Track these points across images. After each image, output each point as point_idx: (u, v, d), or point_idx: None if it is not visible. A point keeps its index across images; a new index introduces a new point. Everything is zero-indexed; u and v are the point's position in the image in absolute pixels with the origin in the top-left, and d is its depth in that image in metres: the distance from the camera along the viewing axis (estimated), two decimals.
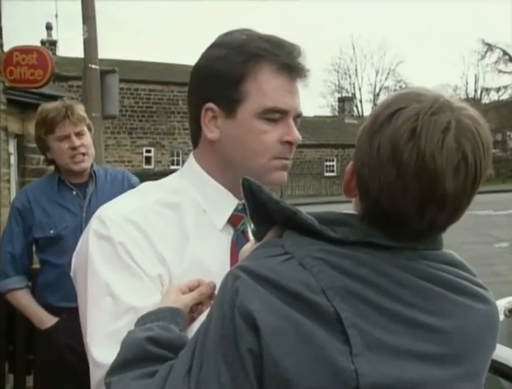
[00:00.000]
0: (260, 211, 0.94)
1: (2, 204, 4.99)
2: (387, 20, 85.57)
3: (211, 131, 1.10)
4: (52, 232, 2.49)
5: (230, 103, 1.09)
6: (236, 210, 1.16)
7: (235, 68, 1.08)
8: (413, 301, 0.88)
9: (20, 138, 8.63)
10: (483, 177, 0.89)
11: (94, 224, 1.08)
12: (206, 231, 1.12)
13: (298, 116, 1.15)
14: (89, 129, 2.59)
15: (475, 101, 40.78)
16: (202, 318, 0.94)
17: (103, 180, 2.62)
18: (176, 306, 1.00)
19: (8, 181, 5.16)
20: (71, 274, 1.14)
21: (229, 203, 1.16)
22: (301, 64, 1.11)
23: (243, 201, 1.15)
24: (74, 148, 2.48)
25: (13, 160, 8.11)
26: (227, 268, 1.10)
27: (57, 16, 29.47)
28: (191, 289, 1.04)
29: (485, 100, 42.02)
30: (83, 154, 2.52)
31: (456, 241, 11.17)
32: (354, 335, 0.82)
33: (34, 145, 10.17)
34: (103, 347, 1.00)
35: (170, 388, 0.85)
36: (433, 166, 0.84)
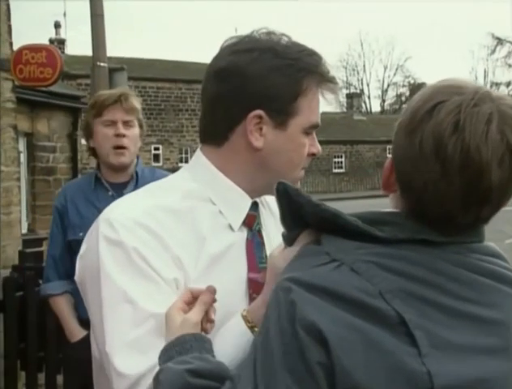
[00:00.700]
0: (293, 215, 0.93)
1: (12, 202, 5.01)
2: (395, 16, 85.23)
3: (256, 139, 1.08)
4: (81, 235, 2.08)
5: (283, 115, 1.08)
6: (250, 209, 1.15)
7: (293, 83, 1.07)
8: (470, 296, 0.87)
9: (30, 136, 8.67)
10: None
11: (102, 227, 1.03)
12: (222, 232, 1.10)
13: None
14: (140, 125, 2.39)
15: None
16: (216, 327, 0.97)
17: (147, 182, 2.32)
18: (196, 332, 0.94)
19: (18, 179, 5.18)
20: (76, 279, 1.11)
21: (244, 203, 1.14)
22: (335, 79, 1.14)
23: (255, 199, 1.15)
24: (118, 136, 2.28)
25: (23, 158, 8.15)
26: (244, 267, 1.10)
27: (65, 15, 29.45)
28: (190, 302, 0.99)
29: None
30: (124, 147, 2.31)
31: None
32: (420, 336, 0.80)
33: (44, 143, 10.28)
34: (126, 356, 0.97)
35: None
36: (479, 158, 0.82)
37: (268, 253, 1.11)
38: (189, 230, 1.07)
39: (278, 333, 0.81)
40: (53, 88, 7.15)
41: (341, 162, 33.29)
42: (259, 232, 1.16)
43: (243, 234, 1.13)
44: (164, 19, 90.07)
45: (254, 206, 1.16)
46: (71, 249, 2.33)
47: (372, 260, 0.84)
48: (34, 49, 4.91)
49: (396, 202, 0.94)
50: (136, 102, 2.37)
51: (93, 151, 2.40)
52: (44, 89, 6.57)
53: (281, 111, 1.07)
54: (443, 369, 0.80)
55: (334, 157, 33.29)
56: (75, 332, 2.36)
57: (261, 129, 1.07)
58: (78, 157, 9.82)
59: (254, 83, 1.06)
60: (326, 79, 1.11)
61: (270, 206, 1.23)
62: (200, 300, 0.98)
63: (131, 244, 1.01)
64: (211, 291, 0.98)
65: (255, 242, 1.13)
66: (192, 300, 0.98)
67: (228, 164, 1.12)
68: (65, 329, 2.42)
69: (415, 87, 42.03)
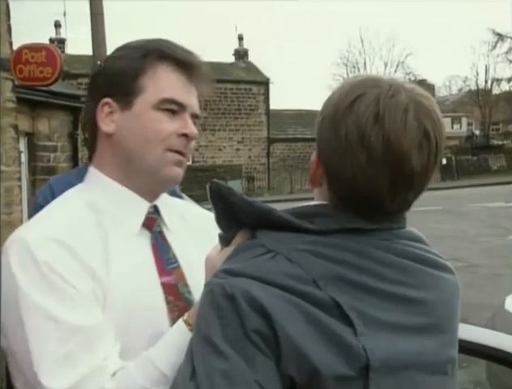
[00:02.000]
0: (227, 215, 0.96)
1: (13, 202, 5.00)
2: (396, 12, 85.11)
3: (106, 125, 1.12)
4: None
5: (127, 96, 1.11)
6: (148, 213, 1.16)
7: (132, 63, 1.11)
8: (398, 278, 0.93)
9: (31, 136, 8.65)
10: (442, 152, 0.94)
11: (12, 248, 1.02)
12: (124, 238, 1.11)
13: (196, 117, 1.17)
14: None
15: (485, 92, 40.45)
16: None
17: None
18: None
19: (19, 179, 5.16)
20: None
21: (140, 206, 1.16)
22: (198, 64, 1.16)
23: (155, 203, 1.17)
24: None
25: (23, 158, 8.14)
26: (154, 273, 1.11)
27: (65, 14, 29.52)
28: None
29: (496, 91, 41.59)
30: None
31: (470, 233, 11.10)
32: (354, 316, 0.86)
33: (44, 143, 10.24)
34: (56, 374, 0.95)
35: None
36: (400, 146, 0.88)
37: (176, 253, 1.15)
38: (97, 239, 1.08)
39: (212, 313, 0.85)
40: (54, 88, 7.13)
41: None
42: (161, 233, 1.17)
43: (146, 238, 1.15)
44: (164, 18, 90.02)
45: (155, 209, 1.17)
46: None
47: (306, 248, 0.89)
48: (34, 48, 4.90)
49: (323, 195, 0.97)
50: None
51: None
52: (44, 89, 6.55)
53: (125, 92, 1.11)
54: (377, 346, 0.86)
55: None
56: None
57: (112, 116, 1.11)
58: (79, 156, 9.81)
59: (101, 76, 1.14)
60: (180, 61, 1.13)
61: (179, 210, 1.25)
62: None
63: (42, 258, 1.00)
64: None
65: (159, 245, 1.15)
66: None
67: (107, 167, 1.14)
68: None
69: (416, 84, 41.88)
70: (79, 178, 2.28)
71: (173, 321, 1.06)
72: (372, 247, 0.92)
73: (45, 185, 2.42)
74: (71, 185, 2.29)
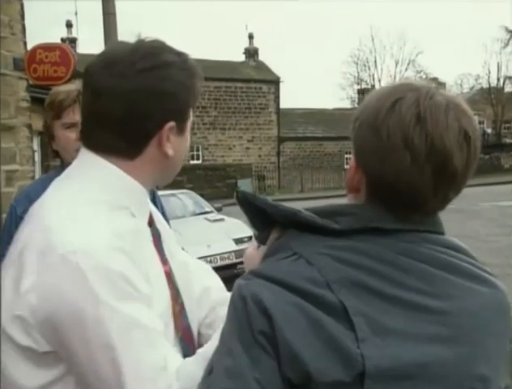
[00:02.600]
0: (260, 217, 1.00)
1: None
2: (407, 10, 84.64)
3: (169, 148, 1.13)
4: None
5: (185, 121, 1.15)
6: None
7: (191, 90, 1.15)
8: (416, 286, 0.91)
9: (44, 135, 8.72)
10: (479, 152, 0.96)
11: (81, 260, 0.96)
12: (142, 236, 1.15)
13: None
14: None
15: (497, 90, 40.17)
16: None
17: None
18: None
19: (33, 178, 5.21)
20: (26, 315, 0.97)
21: (147, 203, 1.21)
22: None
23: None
24: None
25: (37, 157, 8.21)
26: (160, 263, 1.17)
27: (76, 14, 29.68)
28: None
29: (508, 89, 41.34)
30: None
31: (481, 232, 11.03)
32: (359, 322, 0.86)
33: None
34: (158, 379, 0.99)
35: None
36: (443, 145, 0.90)
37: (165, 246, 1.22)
38: (136, 243, 1.08)
39: (231, 312, 0.91)
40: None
41: None
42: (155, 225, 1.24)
43: (148, 231, 1.19)
44: (174, 17, 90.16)
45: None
46: None
47: (326, 252, 0.91)
48: (48, 48, 4.94)
49: (360, 200, 0.99)
50: None
51: (57, 153, 2.21)
52: None
53: (184, 119, 1.15)
54: (378, 354, 0.85)
55: (346, 153, 33.15)
56: None
57: (169, 137, 1.13)
58: None
59: (167, 99, 1.10)
60: (202, 77, 1.19)
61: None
62: None
63: (117, 269, 0.99)
64: None
65: (157, 236, 1.21)
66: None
67: (141, 173, 1.14)
68: None
69: (428, 82, 41.63)
70: None
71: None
72: (392, 251, 0.92)
73: (22, 197, 2.22)
74: None
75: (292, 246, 0.94)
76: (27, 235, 1.04)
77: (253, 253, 1.08)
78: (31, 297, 0.96)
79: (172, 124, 1.11)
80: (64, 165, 2.15)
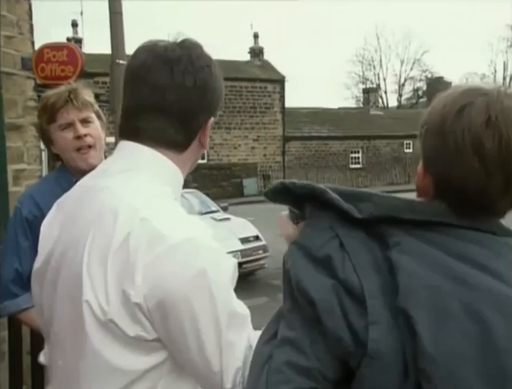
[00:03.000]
0: (294, 199, 1.06)
1: None
2: (412, 9, 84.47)
3: (207, 141, 1.23)
4: None
5: (215, 116, 1.23)
6: None
7: (223, 86, 1.23)
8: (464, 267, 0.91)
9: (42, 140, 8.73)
10: None
11: (204, 252, 1.03)
12: None
13: None
14: (98, 116, 2.18)
15: None
16: None
17: None
18: None
19: (40, 177, 5.23)
20: (142, 302, 1.01)
21: None
22: None
23: None
24: (78, 137, 2.07)
25: (44, 156, 8.22)
26: None
27: (82, 14, 29.75)
28: None
29: None
30: (89, 146, 2.09)
31: None
32: (372, 304, 0.88)
33: None
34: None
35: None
36: None
37: None
38: None
39: (284, 275, 0.98)
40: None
41: (358, 157, 33.13)
42: None
43: None
44: (180, 16, 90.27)
45: None
46: None
47: (356, 236, 0.95)
48: (55, 47, 4.96)
49: None
50: (87, 95, 2.15)
51: (58, 157, 2.19)
52: None
53: (216, 113, 1.23)
54: (382, 338, 0.87)
55: (351, 152, 33.15)
56: None
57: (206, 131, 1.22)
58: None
59: (214, 95, 1.19)
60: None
61: None
62: None
63: (223, 256, 1.07)
64: None
65: None
66: None
67: (184, 166, 1.21)
68: None
69: (432, 81, 41.64)
70: (58, 187, 2.02)
71: None
72: (418, 239, 0.93)
73: (25, 197, 2.19)
74: (55, 195, 1.91)
75: (332, 226, 0.98)
76: (123, 224, 1.03)
77: (291, 230, 1.10)
78: (143, 285, 0.99)
79: (212, 118, 1.21)
80: (66, 166, 2.16)
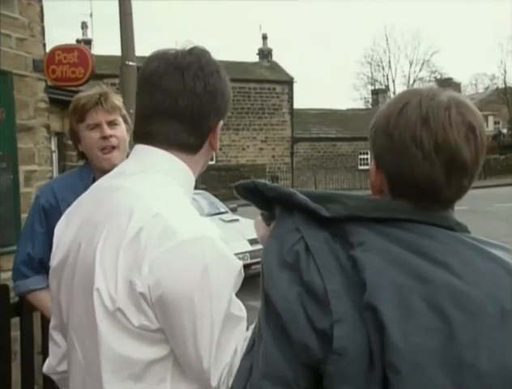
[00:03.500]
0: (264, 200, 1.12)
1: None
2: (421, 10, 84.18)
3: (217, 143, 1.26)
4: None
5: (224, 118, 1.27)
6: None
7: (230, 90, 1.27)
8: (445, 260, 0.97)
9: (61, 135, 8.80)
10: (485, 141, 1.03)
11: (202, 245, 1.06)
12: None
13: None
14: (125, 121, 2.31)
15: None
16: None
17: None
18: None
19: (51, 178, 5.26)
20: (146, 292, 1.04)
21: None
22: None
23: None
24: (104, 138, 2.21)
25: (54, 157, 8.28)
26: None
27: (91, 15, 29.90)
28: None
29: None
30: (113, 147, 2.23)
31: (496, 233, 10.94)
32: (335, 304, 0.93)
33: None
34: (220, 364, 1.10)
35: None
36: (447, 140, 0.98)
37: None
38: None
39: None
40: (83, 88, 7.23)
41: (366, 159, 33.06)
42: None
43: None
44: (189, 18, 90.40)
45: None
46: None
47: (320, 237, 1.01)
48: (66, 49, 4.97)
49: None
50: (116, 100, 2.30)
51: (82, 155, 2.34)
52: (73, 89, 6.65)
53: (225, 116, 1.26)
54: (347, 334, 0.92)
55: (360, 154, 33.09)
56: None
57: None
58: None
59: (223, 99, 1.23)
60: None
61: None
62: None
63: (229, 256, 1.11)
64: None
65: None
66: None
67: (196, 167, 1.26)
68: None
69: (441, 83, 41.44)
70: (80, 182, 2.22)
71: None
72: (385, 237, 0.99)
73: (46, 188, 2.38)
74: (73, 189, 2.15)
75: (298, 228, 1.03)
76: (136, 220, 1.07)
77: (265, 232, 1.16)
78: (149, 276, 1.03)
79: (222, 121, 1.26)
80: (89, 164, 2.32)
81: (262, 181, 1.12)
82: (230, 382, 1.07)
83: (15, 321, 2.98)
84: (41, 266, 2.23)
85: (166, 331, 1.07)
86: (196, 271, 1.04)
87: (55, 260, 1.25)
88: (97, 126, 2.22)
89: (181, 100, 1.17)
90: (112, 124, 2.23)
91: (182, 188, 1.19)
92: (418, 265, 0.94)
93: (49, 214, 2.23)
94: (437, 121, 0.99)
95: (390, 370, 0.88)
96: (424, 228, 1.01)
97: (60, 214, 2.02)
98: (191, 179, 1.25)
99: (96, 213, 1.15)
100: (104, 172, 2.06)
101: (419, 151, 1.00)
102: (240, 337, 1.12)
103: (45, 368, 1.39)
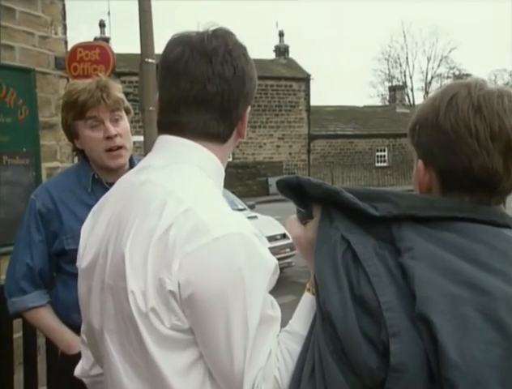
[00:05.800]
0: (302, 197, 1.09)
1: None
2: (439, 5, 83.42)
3: (245, 131, 1.21)
4: None
5: (251, 106, 1.22)
6: None
7: (255, 73, 1.20)
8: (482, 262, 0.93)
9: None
10: None
11: (239, 244, 1.01)
12: None
13: None
14: (127, 112, 2.11)
15: None
16: None
17: None
18: None
19: None
20: (176, 291, 1.00)
21: None
22: None
23: None
24: (109, 138, 2.01)
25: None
26: None
27: (109, 14, 30.14)
28: None
29: None
30: (120, 147, 2.04)
31: None
32: (389, 317, 0.87)
33: None
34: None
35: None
36: (504, 126, 0.98)
37: None
38: None
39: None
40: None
41: (384, 156, 32.86)
42: None
43: None
44: (206, 15, 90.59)
45: None
46: (67, 256, 2.00)
47: (367, 243, 0.96)
48: (88, 46, 5.03)
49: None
50: (118, 91, 2.07)
51: (81, 152, 2.11)
52: None
53: (251, 102, 1.21)
54: (405, 349, 0.86)
55: (377, 151, 32.88)
56: (74, 343, 1.95)
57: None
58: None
59: (252, 83, 1.18)
60: None
61: None
62: None
63: (262, 254, 1.05)
64: None
65: None
66: None
67: (224, 156, 1.20)
68: (59, 342, 2.07)
69: (460, 79, 40.95)
70: (77, 182, 2.06)
71: None
72: (430, 237, 0.94)
73: (41, 189, 2.14)
74: (71, 189, 2.03)
75: (343, 234, 0.99)
76: (167, 215, 1.02)
77: (301, 232, 1.12)
78: (179, 274, 0.98)
79: (249, 107, 1.20)
80: (86, 161, 2.12)
81: (306, 177, 1.09)
82: (263, 388, 1.02)
83: (19, 322, 2.92)
84: (41, 278, 2.07)
85: (197, 332, 1.02)
86: (229, 269, 0.99)
87: (84, 262, 1.20)
88: (99, 123, 2.02)
89: (210, 87, 1.10)
90: (116, 121, 2.04)
91: (212, 180, 1.13)
92: (471, 273, 0.88)
93: (47, 219, 2.04)
94: (491, 109, 0.98)
95: (447, 386, 0.82)
96: (477, 228, 0.96)
97: (59, 217, 2.02)
98: (221, 170, 1.18)
99: (124, 210, 1.10)
100: (109, 171, 2.06)
101: (474, 141, 0.98)
102: (274, 339, 1.07)
103: (78, 371, 1.35)
